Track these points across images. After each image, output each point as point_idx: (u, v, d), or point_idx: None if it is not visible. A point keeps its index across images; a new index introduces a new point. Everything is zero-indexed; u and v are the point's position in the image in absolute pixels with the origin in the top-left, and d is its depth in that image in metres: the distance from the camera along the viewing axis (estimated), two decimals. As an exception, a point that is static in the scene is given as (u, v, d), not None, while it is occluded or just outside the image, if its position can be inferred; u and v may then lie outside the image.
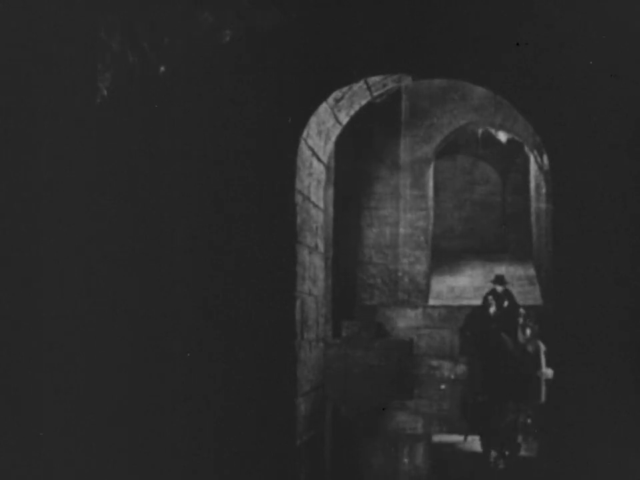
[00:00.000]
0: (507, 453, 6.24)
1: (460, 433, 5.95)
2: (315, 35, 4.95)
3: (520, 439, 5.83)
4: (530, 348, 10.40)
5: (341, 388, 9.35)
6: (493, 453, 6.37)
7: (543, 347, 10.41)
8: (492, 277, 11.54)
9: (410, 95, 12.50)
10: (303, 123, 5.03)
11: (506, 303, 10.60)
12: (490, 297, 10.72)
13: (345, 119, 5.68)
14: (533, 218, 14.00)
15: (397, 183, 12.46)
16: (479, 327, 10.93)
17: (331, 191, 11.20)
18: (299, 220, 5.04)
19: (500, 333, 10.36)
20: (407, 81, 5.46)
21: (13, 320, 4.50)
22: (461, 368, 11.00)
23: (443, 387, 9.65)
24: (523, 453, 5.28)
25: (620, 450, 4.41)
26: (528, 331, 10.38)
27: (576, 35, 4.67)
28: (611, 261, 4.56)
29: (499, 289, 10.90)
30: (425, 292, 12.47)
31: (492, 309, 10.65)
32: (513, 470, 4.60)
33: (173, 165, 4.97)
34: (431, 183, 13.13)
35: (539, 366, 10.35)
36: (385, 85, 5.45)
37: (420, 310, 12.11)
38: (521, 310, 10.64)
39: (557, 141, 4.80)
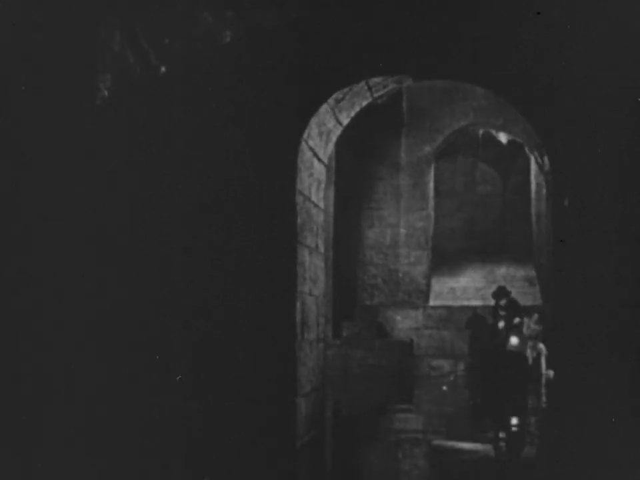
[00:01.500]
0: (508, 452, 6.24)
1: (460, 433, 5.95)
2: (315, 36, 4.96)
3: (521, 438, 5.83)
4: (530, 352, 10.41)
5: (342, 388, 9.35)
6: (494, 453, 6.37)
7: (544, 350, 10.41)
8: (493, 287, 11.44)
9: (411, 96, 12.50)
10: (303, 123, 5.03)
11: (517, 320, 10.52)
12: (501, 313, 10.64)
13: (345, 120, 5.68)
14: (533, 219, 14.00)
15: (397, 184, 12.47)
16: (482, 335, 10.91)
17: (331, 192, 11.20)
18: (299, 220, 5.05)
19: (503, 349, 10.35)
20: (408, 82, 5.46)
21: (13, 319, 4.50)
22: (461, 368, 11.00)
23: (444, 387, 9.65)
24: (524, 452, 5.28)
25: (620, 450, 4.41)
26: (515, 341, 10.33)
27: (576, 35, 4.68)
28: (610, 261, 4.57)
29: (503, 302, 10.80)
30: (425, 292, 12.47)
31: (501, 324, 10.59)
32: (514, 469, 4.60)
33: (173, 165, 4.97)
34: (431, 184, 13.13)
35: (539, 369, 10.35)
36: (385, 86, 5.45)
37: (420, 310, 12.11)
38: (516, 319, 10.61)
39: (557, 142, 4.80)
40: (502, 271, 13.28)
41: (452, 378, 10.97)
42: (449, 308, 12.05)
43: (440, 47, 4.90)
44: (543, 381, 10.04)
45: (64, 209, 4.71)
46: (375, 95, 5.55)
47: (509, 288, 11.32)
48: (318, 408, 5.54)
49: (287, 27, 4.96)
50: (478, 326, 11.23)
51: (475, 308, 11.89)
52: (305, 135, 5.08)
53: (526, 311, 10.85)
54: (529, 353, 10.38)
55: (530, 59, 4.77)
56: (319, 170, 5.66)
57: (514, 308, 10.69)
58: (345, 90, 5.17)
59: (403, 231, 12.43)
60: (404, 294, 12.41)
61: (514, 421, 6.89)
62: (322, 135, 5.45)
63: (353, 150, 12.38)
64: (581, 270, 4.64)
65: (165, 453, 4.72)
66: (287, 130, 5.01)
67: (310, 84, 5.00)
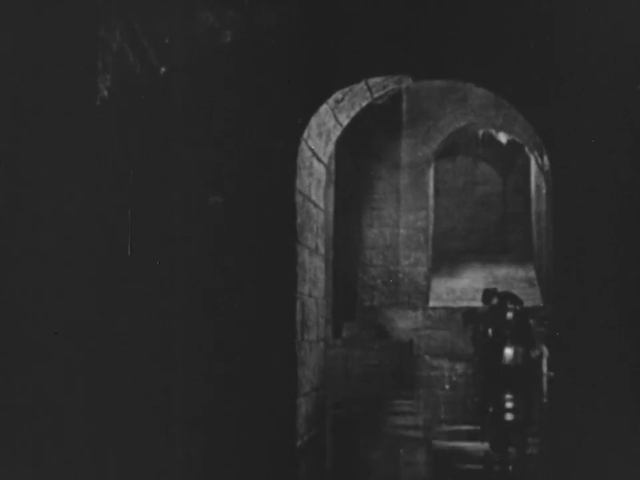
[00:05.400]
0: (510, 452, 6.24)
1: (462, 431, 5.95)
2: (315, 36, 4.96)
3: (523, 438, 5.84)
4: (533, 354, 10.42)
5: (342, 388, 9.35)
6: (497, 452, 6.37)
7: (546, 352, 10.42)
8: (497, 289, 11.39)
9: (410, 96, 12.51)
10: (303, 123, 5.03)
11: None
12: (510, 306, 10.61)
13: (345, 120, 5.68)
14: (533, 219, 14.00)
15: (397, 184, 12.47)
16: (479, 335, 10.89)
17: (331, 192, 11.20)
18: (299, 220, 5.04)
19: (499, 363, 10.34)
20: (408, 82, 5.46)
21: (14, 319, 4.49)
22: (462, 368, 11.00)
23: (447, 386, 9.66)
24: (526, 452, 5.28)
25: (620, 450, 4.40)
26: (510, 353, 10.34)
27: (576, 35, 4.67)
28: (611, 262, 4.56)
29: (494, 301, 10.78)
30: (425, 293, 12.48)
31: (509, 315, 10.56)
32: (516, 469, 4.59)
33: (173, 165, 4.97)
34: (431, 184, 13.13)
35: (540, 369, 10.37)
36: (385, 86, 5.45)
37: (420, 311, 12.11)
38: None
39: (557, 142, 4.80)
40: (502, 271, 13.28)
41: (453, 378, 10.97)
42: (448, 309, 12.05)
43: (440, 47, 4.90)
44: (544, 381, 10.04)
45: (63, 209, 4.70)
46: (375, 95, 5.54)
47: (510, 289, 11.31)
48: (318, 408, 5.53)
49: (287, 26, 4.95)
50: (475, 322, 11.18)
51: (474, 309, 11.89)
52: (305, 135, 5.08)
53: (531, 313, 10.85)
54: (532, 356, 10.40)
55: (530, 59, 4.77)
56: (319, 170, 5.66)
57: (512, 299, 10.66)
58: (345, 90, 5.17)
59: (402, 231, 12.43)
60: (404, 295, 12.41)
61: (518, 420, 6.89)
62: (322, 135, 5.44)
63: (352, 150, 12.38)
64: (581, 271, 4.63)
65: (165, 452, 4.72)
66: (287, 130, 5.00)
67: (310, 84, 5.00)
